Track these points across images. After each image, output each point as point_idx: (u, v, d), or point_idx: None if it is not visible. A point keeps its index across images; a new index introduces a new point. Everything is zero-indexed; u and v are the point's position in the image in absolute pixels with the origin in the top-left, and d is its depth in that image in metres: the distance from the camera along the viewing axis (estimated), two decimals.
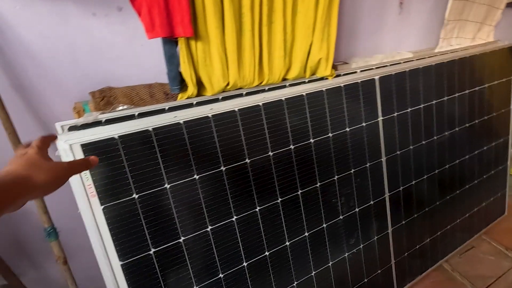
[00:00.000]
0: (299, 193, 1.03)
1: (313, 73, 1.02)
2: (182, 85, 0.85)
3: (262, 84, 0.94)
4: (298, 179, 1.02)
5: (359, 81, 1.09)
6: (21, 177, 0.40)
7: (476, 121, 1.49)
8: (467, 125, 1.46)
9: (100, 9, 0.79)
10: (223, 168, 0.89)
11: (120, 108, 0.81)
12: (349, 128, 1.10)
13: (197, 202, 0.87)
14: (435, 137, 1.35)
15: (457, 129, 1.42)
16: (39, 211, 0.83)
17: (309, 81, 1.04)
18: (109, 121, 0.78)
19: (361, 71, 1.13)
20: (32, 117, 0.84)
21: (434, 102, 1.30)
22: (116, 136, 0.75)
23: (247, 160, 0.92)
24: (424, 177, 1.35)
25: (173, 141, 0.81)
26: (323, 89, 1.02)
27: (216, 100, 0.90)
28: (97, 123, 0.76)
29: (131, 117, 0.80)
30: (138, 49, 0.87)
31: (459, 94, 1.39)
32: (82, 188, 0.73)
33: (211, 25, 0.75)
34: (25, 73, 0.79)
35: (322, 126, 1.04)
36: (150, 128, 0.78)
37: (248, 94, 0.94)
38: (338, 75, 1.08)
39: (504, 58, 1.55)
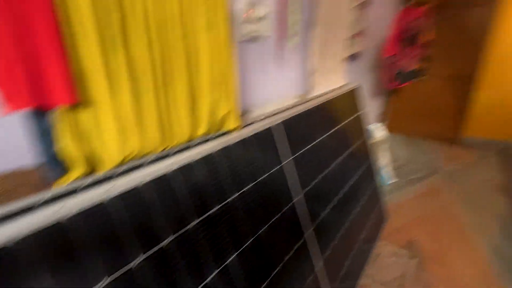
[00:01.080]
0: (232, 258, 0.91)
1: (221, 128, 0.99)
2: (63, 167, 0.64)
3: (168, 147, 0.83)
4: (231, 243, 0.91)
5: (261, 130, 1.13)
6: None
7: (350, 148, 1.79)
8: (345, 153, 1.73)
9: None
10: (136, 262, 0.69)
11: None
12: (264, 176, 1.09)
13: None
14: (328, 170, 1.52)
15: (340, 157, 1.66)
16: None
17: (216, 137, 0.99)
18: None
19: (261, 119, 1.18)
20: None
21: (321, 138, 1.49)
22: None
23: (170, 238, 0.76)
24: (332, 205, 1.48)
25: (52, 251, 0.58)
26: (232, 142, 0.99)
27: (110, 178, 0.72)
28: None
29: None
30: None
31: (334, 130, 1.65)
32: None
33: (100, 88, 0.61)
34: None
35: (239, 180, 0.99)
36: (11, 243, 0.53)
37: (151, 162, 0.81)
38: (243, 127, 1.08)
39: (354, 96, 1.97)
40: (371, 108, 3.13)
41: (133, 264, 0.69)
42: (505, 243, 1.93)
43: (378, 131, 2.58)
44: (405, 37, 2.35)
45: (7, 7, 0.48)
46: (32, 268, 0.55)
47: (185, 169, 0.83)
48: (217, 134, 0.99)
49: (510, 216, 2.20)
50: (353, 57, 2.20)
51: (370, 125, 2.65)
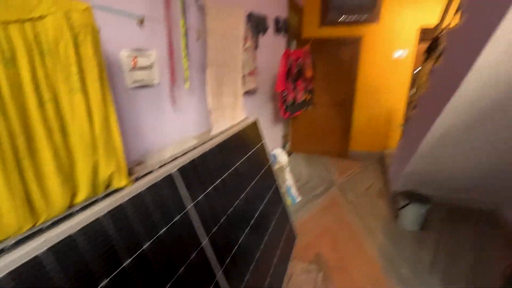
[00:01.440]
0: None
1: (108, 186, 0.91)
2: None
3: (39, 223, 0.72)
4: None
5: (159, 179, 1.09)
6: None
7: (256, 178, 1.90)
8: (252, 183, 1.82)
9: None
10: None
11: None
12: (165, 228, 1.05)
13: None
14: (233, 206, 1.57)
15: (248, 189, 1.74)
16: None
17: (105, 196, 0.91)
18: None
19: (159, 167, 1.15)
20: None
21: (226, 174, 1.53)
22: None
23: None
24: (243, 237, 1.52)
25: None
26: (123, 201, 0.93)
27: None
28: None
29: None
30: None
31: (238, 163, 1.73)
32: None
33: None
34: None
35: (134, 241, 0.92)
36: None
37: (16, 244, 0.68)
38: (137, 179, 1.03)
39: (255, 129, 2.12)
40: (272, 134, 3.41)
41: None
42: (386, 242, 2.33)
43: (281, 156, 2.83)
44: (291, 74, 2.70)
45: None
46: None
47: (62, 244, 0.73)
48: (104, 194, 0.91)
49: (388, 216, 2.69)
50: (249, 93, 2.39)
51: (273, 151, 2.88)
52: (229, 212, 1.47)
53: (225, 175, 1.53)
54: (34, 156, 0.67)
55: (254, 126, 2.10)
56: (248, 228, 1.61)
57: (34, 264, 0.67)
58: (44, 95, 0.67)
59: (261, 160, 2.08)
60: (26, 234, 0.70)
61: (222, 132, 1.71)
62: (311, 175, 3.58)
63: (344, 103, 3.98)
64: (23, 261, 0.65)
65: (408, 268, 2.02)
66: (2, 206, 0.61)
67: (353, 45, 3.71)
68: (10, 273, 0.60)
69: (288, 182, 2.85)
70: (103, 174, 0.84)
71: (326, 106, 4.06)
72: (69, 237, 0.75)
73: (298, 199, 2.93)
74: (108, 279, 0.81)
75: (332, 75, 3.90)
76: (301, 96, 2.95)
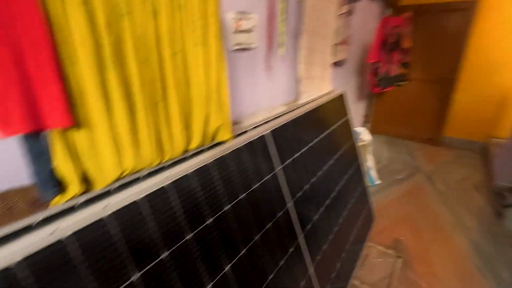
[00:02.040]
0: (226, 269, 0.93)
1: (214, 140, 1.00)
2: (58, 186, 0.64)
3: (163, 161, 0.84)
4: (225, 254, 0.93)
5: (254, 138, 1.15)
6: None
7: (339, 152, 1.84)
8: (335, 157, 1.78)
9: None
10: (137, 275, 0.70)
11: None
12: (257, 184, 1.11)
13: None
14: (317, 175, 1.56)
15: (330, 161, 1.70)
16: None
17: (209, 148, 1.01)
18: None
19: (253, 128, 1.21)
20: None
21: (311, 144, 1.52)
22: None
23: (166, 253, 0.77)
24: (323, 209, 1.52)
25: (54, 272, 0.57)
26: (225, 153, 1.01)
27: (107, 194, 0.72)
28: None
29: None
30: None
31: (323, 135, 1.69)
32: None
33: (96, 109, 0.62)
34: None
35: (233, 190, 1.01)
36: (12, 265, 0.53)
37: (147, 176, 0.81)
38: (235, 137, 1.10)
39: (341, 102, 2.02)
40: (356, 111, 3.21)
41: (131, 280, 0.69)
42: (483, 240, 2.03)
43: (364, 134, 2.66)
44: (387, 44, 2.44)
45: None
46: None
47: (180, 182, 0.84)
48: (210, 145, 1.00)
49: (487, 212, 2.32)
50: (338, 64, 2.27)
51: (356, 128, 2.72)
52: (312, 181, 1.48)
53: (310, 145, 1.52)
54: (165, 101, 0.76)
55: (340, 99, 2.01)
56: (328, 200, 1.60)
57: (159, 193, 0.79)
58: (175, 46, 0.74)
59: (345, 135, 2.00)
60: (152, 170, 0.83)
61: (308, 102, 1.68)
62: (392, 159, 3.30)
63: (443, 80, 3.43)
64: (150, 191, 0.77)
65: (511, 273, 1.74)
66: (142, 140, 0.72)
67: (464, 11, 3.11)
68: (113, 213, 0.68)
69: (369, 163, 2.69)
70: (213, 126, 0.92)
71: (420, 83, 3.57)
72: (184, 177, 0.86)
73: (377, 181, 2.75)
74: (212, 218, 0.91)
75: (430, 47, 3.39)
76: (395, 69, 2.66)
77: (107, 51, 0.60)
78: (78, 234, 0.61)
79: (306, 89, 1.72)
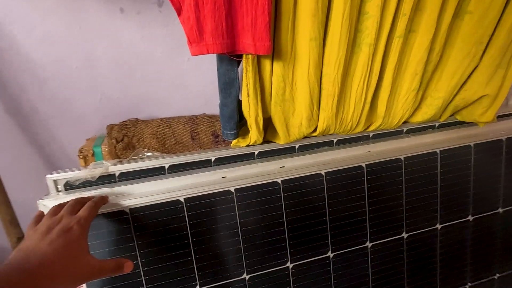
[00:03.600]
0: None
1: (457, 114, 0.61)
2: (240, 127, 0.53)
3: (369, 129, 0.57)
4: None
5: None
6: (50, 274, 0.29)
7: None
8: None
9: (131, 3, 0.52)
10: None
11: (145, 155, 0.53)
12: (502, 209, 0.66)
13: None
14: None
15: None
16: None
17: (440, 126, 0.63)
18: (125, 176, 0.50)
19: None
20: (27, 157, 0.61)
21: None
22: (127, 210, 0.46)
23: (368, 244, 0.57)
24: None
25: (219, 219, 0.50)
26: (471, 143, 0.61)
27: (291, 151, 0.56)
28: (107, 178, 0.49)
29: (158, 171, 0.51)
30: (183, 65, 0.58)
31: None
32: None
33: (305, 35, 0.41)
34: (22, 93, 0.55)
35: (460, 205, 0.63)
36: (181, 199, 0.48)
37: (342, 142, 0.59)
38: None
39: None
40: None
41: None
42: None
43: None
44: None
45: None
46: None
47: (381, 167, 0.56)
48: (441, 122, 0.63)
49: None
50: None
51: None
52: None
53: None
54: (407, 36, 0.46)
55: None
56: None
57: (353, 173, 0.55)
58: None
59: None
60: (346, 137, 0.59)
61: None
62: None
63: None
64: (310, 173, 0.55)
65: None
66: (352, 93, 0.48)
67: None
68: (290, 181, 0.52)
69: None
70: (470, 94, 0.53)
71: None
72: (395, 160, 0.57)
73: None
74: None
75: None
76: None
77: None
78: (244, 192, 0.50)
79: None
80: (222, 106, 0.50)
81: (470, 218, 0.64)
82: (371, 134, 0.60)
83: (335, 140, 0.59)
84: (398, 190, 0.58)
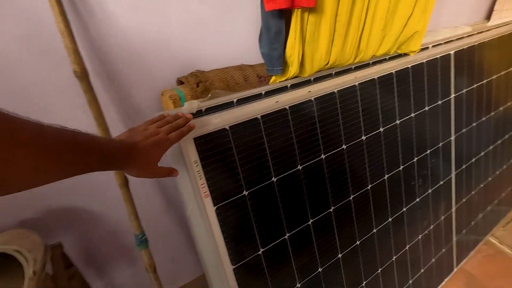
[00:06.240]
0: (385, 178, 0.98)
1: (398, 48, 0.95)
2: (283, 66, 0.75)
3: (354, 62, 0.86)
4: (385, 163, 0.97)
5: (437, 56, 1.04)
6: (132, 159, 0.44)
7: None
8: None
9: None
10: (323, 157, 0.82)
11: (221, 95, 0.71)
12: (428, 107, 1.05)
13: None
14: (495, 112, 1.34)
15: (505, 106, 1.42)
16: (130, 218, 0.72)
17: (390, 58, 0.97)
18: (209, 110, 0.68)
19: (433, 46, 1.08)
20: (114, 106, 0.72)
21: (499, 75, 1.28)
22: (227, 127, 0.65)
23: (344, 146, 0.86)
24: (483, 154, 1.35)
25: (279, 129, 0.72)
26: (409, 65, 0.96)
27: (308, 82, 0.82)
28: (197, 113, 0.66)
29: (229, 105, 0.70)
30: (227, 25, 0.76)
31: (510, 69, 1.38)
32: (194, 188, 0.63)
33: None
34: (109, 54, 0.66)
35: (406, 106, 0.98)
36: (258, 116, 0.69)
37: (337, 74, 0.86)
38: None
39: None
40: None
41: (321, 157, 0.82)
42: None
43: None
44: None
45: None
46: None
47: (364, 85, 0.87)
48: (392, 55, 0.96)
49: None
50: None
51: None
52: (482, 119, 1.29)
53: (497, 75, 1.28)
54: (375, 8, 0.75)
55: None
56: (492, 145, 1.39)
57: (351, 90, 0.84)
58: None
59: None
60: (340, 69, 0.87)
61: (502, 25, 1.35)
62: None
63: None
64: (345, 86, 0.83)
65: None
66: (351, 33, 0.75)
67: None
68: (316, 98, 0.78)
69: None
70: (408, 31, 0.86)
71: None
72: (372, 80, 0.88)
73: None
74: (383, 128, 0.93)
75: None
76: None
77: None
78: (293, 108, 0.74)
79: (502, 7, 1.36)
80: (272, 50, 0.71)
81: (412, 115, 1.01)
82: (353, 66, 0.90)
83: (333, 72, 0.86)
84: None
